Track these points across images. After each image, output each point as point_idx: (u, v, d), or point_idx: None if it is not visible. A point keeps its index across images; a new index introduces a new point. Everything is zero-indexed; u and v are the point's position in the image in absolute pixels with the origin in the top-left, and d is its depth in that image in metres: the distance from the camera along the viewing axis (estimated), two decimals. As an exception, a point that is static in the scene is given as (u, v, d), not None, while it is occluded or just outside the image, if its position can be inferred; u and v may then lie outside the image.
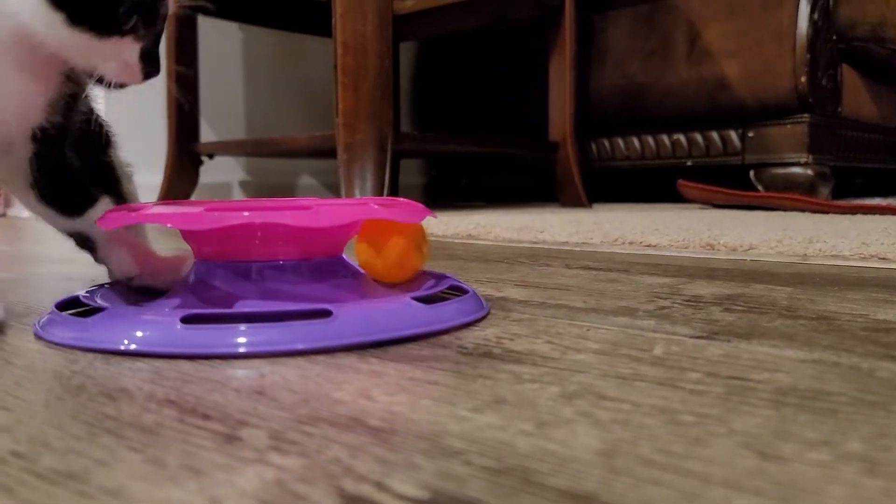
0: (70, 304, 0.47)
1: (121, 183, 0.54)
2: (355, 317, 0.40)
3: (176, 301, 0.45)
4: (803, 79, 1.84)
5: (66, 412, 0.29)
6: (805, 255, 0.81)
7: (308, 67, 2.31)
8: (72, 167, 0.47)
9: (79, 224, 0.48)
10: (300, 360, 0.37)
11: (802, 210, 1.59)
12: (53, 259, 0.91)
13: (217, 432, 0.27)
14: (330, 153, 1.59)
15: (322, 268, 0.46)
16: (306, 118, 2.29)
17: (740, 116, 1.96)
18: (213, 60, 2.06)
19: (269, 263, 0.44)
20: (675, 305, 0.52)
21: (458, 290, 0.50)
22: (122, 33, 0.42)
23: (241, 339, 0.37)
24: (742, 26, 1.92)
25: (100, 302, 0.46)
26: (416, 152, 2.30)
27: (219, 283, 0.44)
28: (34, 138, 0.45)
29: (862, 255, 0.77)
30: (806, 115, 1.87)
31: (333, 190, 2.31)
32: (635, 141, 2.16)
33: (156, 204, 0.47)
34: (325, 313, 0.39)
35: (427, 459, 0.24)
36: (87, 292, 0.49)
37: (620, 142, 2.19)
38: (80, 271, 0.76)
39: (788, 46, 1.85)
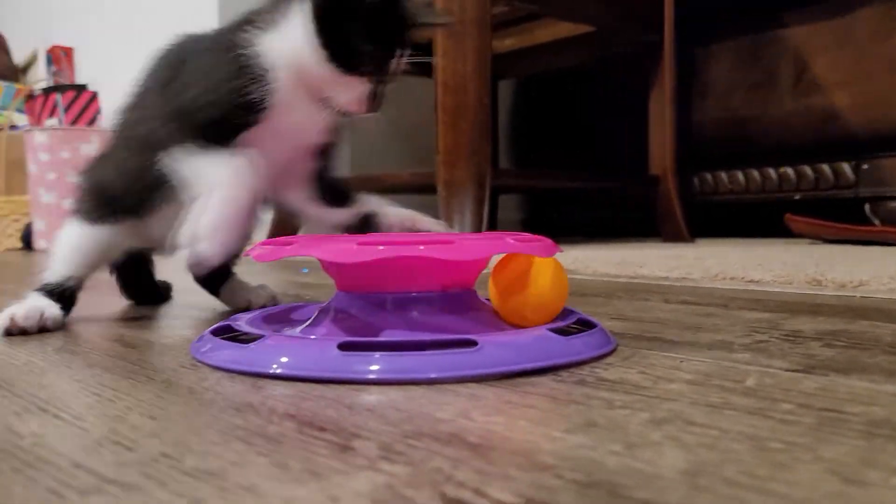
0: (222, 331, 0.50)
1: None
2: (501, 347, 0.41)
3: (322, 329, 0.47)
4: (919, 108, 1.76)
5: (202, 422, 0.33)
6: (918, 291, 0.78)
7: (410, 106, 2.39)
8: (334, 175, 0.63)
9: (355, 212, 0.62)
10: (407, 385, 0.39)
11: (921, 245, 1.51)
12: (182, 289, 0.99)
13: (332, 442, 0.30)
14: (430, 189, 1.65)
15: (457, 300, 0.47)
16: (408, 155, 2.37)
17: (852, 148, 1.89)
18: (322, 102, 2.18)
19: (406, 295, 0.46)
20: (773, 340, 0.52)
21: (585, 324, 0.50)
22: (360, 73, 0.54)
23: (374, 367, 0.39)
24: (851, 56, 1.86)
25: (252, 329, 0.48)
26: (514, 188, 2.33)
27: (359, 313, 0.47)
28: (317, 154, 0.60)
29: (981, 292, 0.74)
30: (924, 145, 1.78)
31: (433, 225, 2.37)
32: (739, 174, 2.11)
33: (306, 237, 0.50)
34: (471, 343, 0.40)
35: (521, 472, 0.26)
36: (232, 321, 0.51)
37: (724, 175, 2.15)
38: (205, 301, 0.82)
39: (903, 75, 1.78)
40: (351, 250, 0.42)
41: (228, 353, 0.44)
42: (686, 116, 2.15)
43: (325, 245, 0.45)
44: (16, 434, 0.31)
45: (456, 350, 0.40)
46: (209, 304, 0.79)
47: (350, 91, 0.55)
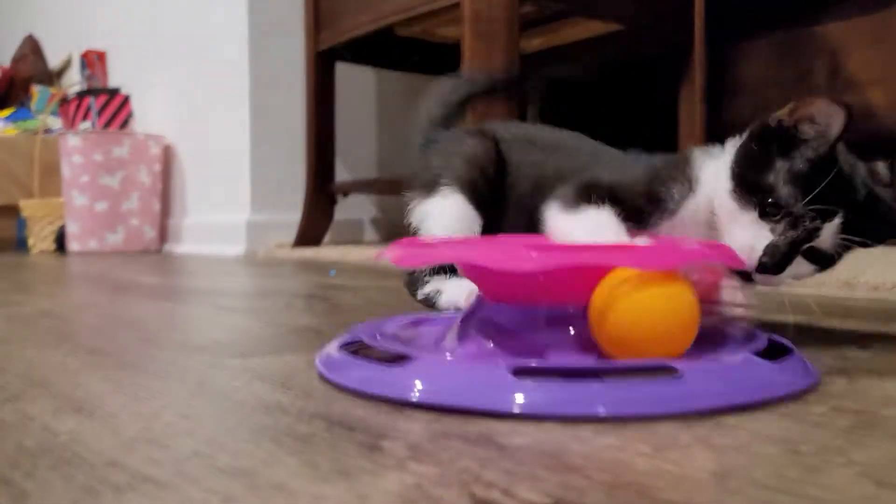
0: (350, 343, 0.44)
1: None
2: (706, 377, 0.35)
3: (472, 347, 0.42)
4: (957, 105, 1.72)
5: (233, 422, 0.34)
6: (956, 292, 0.77)
7: (437, 108, 2.40)
8: None
9: None
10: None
11: (959, 245, 1.48)
12: (206, 291, 1.00)
13: (361, 442, 0.30)
14: (458, 190, 1.65)
15: None
16: (435, 157, 2.38)
17: (888, 146, 1.85)
18: (348, 103, 2.18)
19: (560, 310, 0.40)
20: (806, 340, 0.51)
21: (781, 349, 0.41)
22: (762, 216, 0.46)
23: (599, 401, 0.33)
24: (887, 53, 1.83)
25: (395, 348, 0.41)
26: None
27: (512, 326, 0.41)
28: None
29: None
30: (962, 143, 1.74)
31: (461, 226, 2.37)
32: (770, 174, 2.08)
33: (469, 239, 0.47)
34: (671, 370, 0.34)
35: (549, 472, 0.26)
36: (363, 334, 0.45)
37: (754, 175, 2.12)
38: (233, 303, 0.83)
39: (939, 72, 1.74)
40: (526, 256, 0.37)
41: (364, 373, 0.39)
42: (717, 115, 2.12)
43: (494, 250, 0.41)
44: (52, 432, 0.32)
45: (660, 381, 0.34)
46: (242, 306, 0.80)
47: (743, 233, 0.46)
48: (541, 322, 0.41)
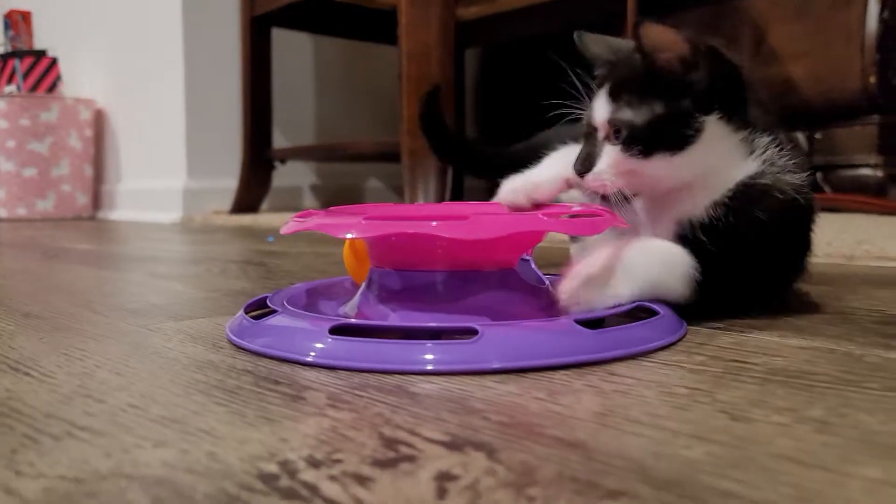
0: (256, 305, 0.48)
1: None
2: (501, 339, 0.37)
3: (368, 311, 0.45)
4: (872, 79, 1.81)
5: (166, 377, 0.36)
6: (852, 256, 0.83)
7: (375, 74, 2.39)
8: None
9: None
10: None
11: (869, 212, 1.58)
12: (141, 258, 1.00)
13: (285, 394, 0.33)
14: (396, 157, 1.66)
15: (495, 280, 0.44)
16: (374, 123, 2.38)
17: (808, 118, 1.94)
18: (285, 69, 2.16)
19: (441, 275, 0.44)
20: (704, 301, 0.55)
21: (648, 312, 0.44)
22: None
23: (429, 356, 0.37)
24: (810, 27, 1.91)
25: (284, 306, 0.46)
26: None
27: (392, 292, 0.44)
28: None
29: (907, 257, 0.79)
30: (875, 115, 1.84)
31: (399, 192, 2.39)
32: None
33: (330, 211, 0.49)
34: (471, 332, 0.37)
35: (452, 415, 0.29)
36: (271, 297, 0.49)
37: (684, 144, 2.19)
38: (169, 270, 0.84)
39: (857, 46, 1.83)
40: (354, 225, 0.41)
41: (266, 340, 0.42)
42: (648, 85, 2.18)
43: (342, 220, 0.44)
44: (-9, 390, 0.34)
45: (457, 342, 0.38)
46: (178, 273, 0.81)
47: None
48: (427, 286, 0.43)
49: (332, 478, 0.23)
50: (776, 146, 0.49)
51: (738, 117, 0.48)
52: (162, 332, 0.47)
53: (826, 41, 1.90)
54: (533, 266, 0.46)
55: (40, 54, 2.29)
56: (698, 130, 0.47)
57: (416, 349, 0.37)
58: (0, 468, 0.25)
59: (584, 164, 0.48)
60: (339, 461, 0.25)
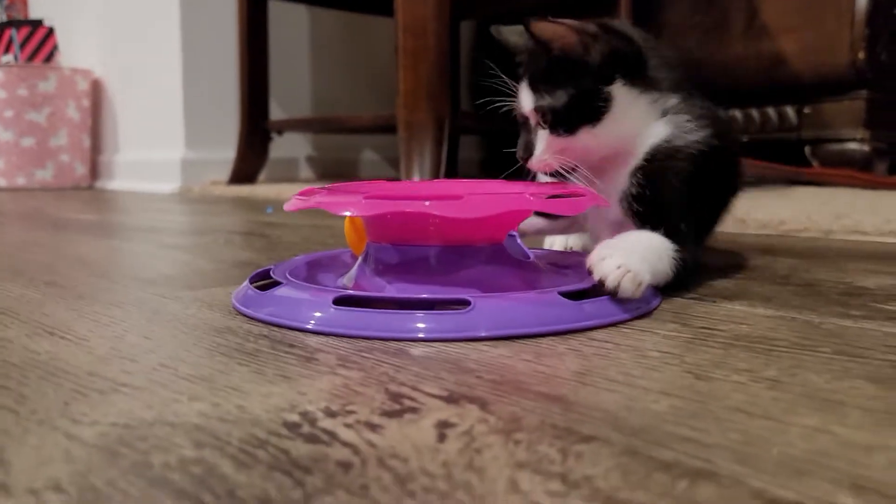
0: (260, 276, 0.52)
1: None
2: (491, 309, 0.41)
3: (364, 283, 0.48)
4: (861, 54, 1.84)
5: (189, 341, 0.40)
6: (829, 230, 0.87)
7: (372, 47, 2.40)
8: None
9: None
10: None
11: (854, 186, 1.61)
12: (147, 228, 1.03)
13: (300, 356, 0.36)
14: (392, 130, 1.69)
15: (486, 255, 0.48)
16: (370, 96, 2.40)
17: (797, 92, 1.97)
18: (282, 41, 2.17)
19: (436, 249, 0.46)
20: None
21: None
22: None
23: (421, 325, 0.40)
24: (801, 2, 1.93)
25: (286, 278, 0.49)
26: (474, 130, 2.38)
27: (389, 266, 0.47)
28: None
29: (881, 232, 0.83)
30: (863, 90, 1.87)
31: (394, 165, 2.41)
32: (691, 116, 2.19)
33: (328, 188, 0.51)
34: (464, 303, 0.41)
35: (449, 374, 0.33)
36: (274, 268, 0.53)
37: (676, 117, 2.22)
38: (175, 241, 0.87)
39: (847, 21, 1.85)
40: (355, 204, 0.44)
41: (272, 309, 0.45)
42: (641, 59, 2.20)
43: (342, 198, 0.46)
44: (32, 352, 0.38)
45: (451, 312, 0.41)
46: (184, 243, 0.84)
47: None
48: (423, 260, 0.46)
49: (348, 425, 0.27)
50: (685, 105, 0.55)
51: (640, 81, 0.54)
52: (179, 301, 0.50)
53: (817, 16, 1.93)
54: (519, 241, 0.49)
55: (37, 24, 2.29)
56: (608, 100, 0.53)
57: (409, 319, 0.40)
58: (57, 417, 0.28)
59: (526, 151, 0.55)
60: (352, 412, 0.28)
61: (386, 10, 1.90)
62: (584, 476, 0.23)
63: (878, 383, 0.31)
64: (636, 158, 0.53)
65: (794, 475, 0.22)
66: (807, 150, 1.98)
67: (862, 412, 0.28)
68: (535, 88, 0.54)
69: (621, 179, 0.53)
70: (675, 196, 0.53)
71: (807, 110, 1.98)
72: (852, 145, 1.91)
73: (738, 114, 2.12)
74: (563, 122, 0.53)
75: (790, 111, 2.01)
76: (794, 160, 1.90)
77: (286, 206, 0.48)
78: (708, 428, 0.26)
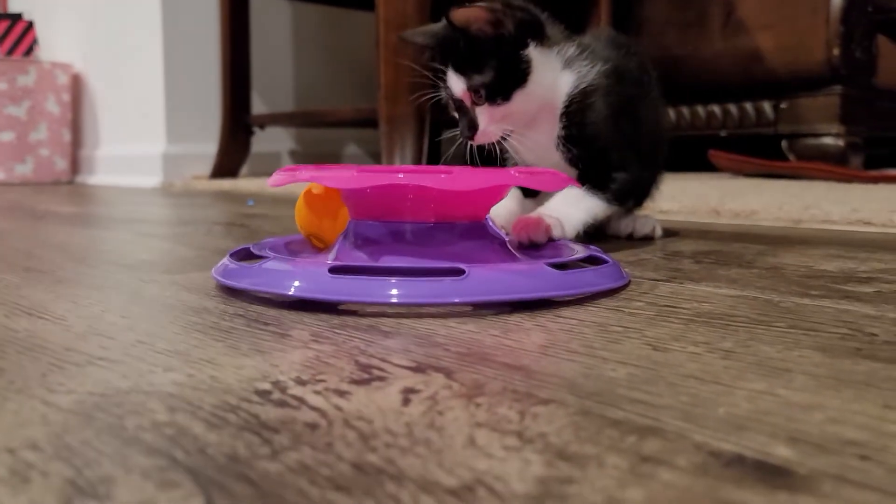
0: (241, 253, 0.53)
1: None
2: (486, 277, 0.43)
3: (346, 257, 0.48)
4: (836, 51, 1.87)
5: (166, 320, 0.41)
6: (799, 219, 0.89)
7: (354, 41, 2.41)
8: None
9: None
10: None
11: (828, 180, 1.64)
12: (127, 219, 1.04)
13: (274, 332, 0.37)
14: (373, 124, 1.70)
15: (467, 231, 0.49)
16: (352, 90, 2.40)
17: (774, 88, 1.99)
18: (264, 36, 2.17)
19: (419, 225, 0.48)
20: (654, 258, 0.61)
21: (598, 260, 0.51)
22: None
23: (394, 291, 0.42)
24: (776, 0, 1.95)
25: (267, 252, 0.50)
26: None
27: (371, 241, 0.48)
28: None
29: (848, 220, 0.85)
30: (838, 86, 1.90)
31: (376, 158, 2.42)
32: (671, 111, 2.21)
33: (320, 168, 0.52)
34: (459, 272, 0.42)
35: (418, 348, 0.34)
36: (254, 246, 0.54)
37: (656, 112, 2.24)
38: (156, 230, 0.88)
39: (822, 19, 1.88)
40: (350, 177, 0.45)
41: (240, 276, 0.47)
42: (622, 54, 2.23)
43: (331, 173, 0.48)
44: (11, 329, 0.38)
45: (447, 278, 0.42)
46: (165, 232, 0.85)
47: None
48: (406, 235, 0.48)
49: (317, 392, 0.28)
50: (581, 51, 0.65)
51: (545, 39, 0.63)
52: (157, 283, 0.51)
53: (792, 14, 1.95)
54: (490, 223, 0.51)
55: (16, 18, 2.28)
56: (528, 62, 0.62)
57: (411, 285, 0.42)
58: (35, 387, 0.29)
59: (470, 129, 0.63)
60: (322, 381, 0.30)
61: (367, 5, 1.90)
62: (539, 433, 0.24)
63: (826, 352, 0.33)
64: (558, 107, 0.63)
65: (735, 430, 0.24)
66: (783, 144, 2.01)
67: (807, 377, 0.29)
68: (462, 72, 0.61)
69: (552, 129, 0.64)
70: (597, 128, 0.64)
71: (783, 106, 2.00)
72: (828, 140, 1.94)
73: (716, 109, 2.14)
74: (498, 91, 0.61)
75: (767, 106, 2.03)
76: (771, 154, 1.92)
77: (269, 181, 0.49)
78: (660, 392, 0.28)
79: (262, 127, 2.05)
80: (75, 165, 2.35)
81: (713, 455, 0.22)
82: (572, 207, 0.62)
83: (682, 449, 0.22)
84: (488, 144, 0.64)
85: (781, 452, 0.22)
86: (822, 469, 0.21)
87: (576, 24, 2.08)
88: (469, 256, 0.46)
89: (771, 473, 0.21)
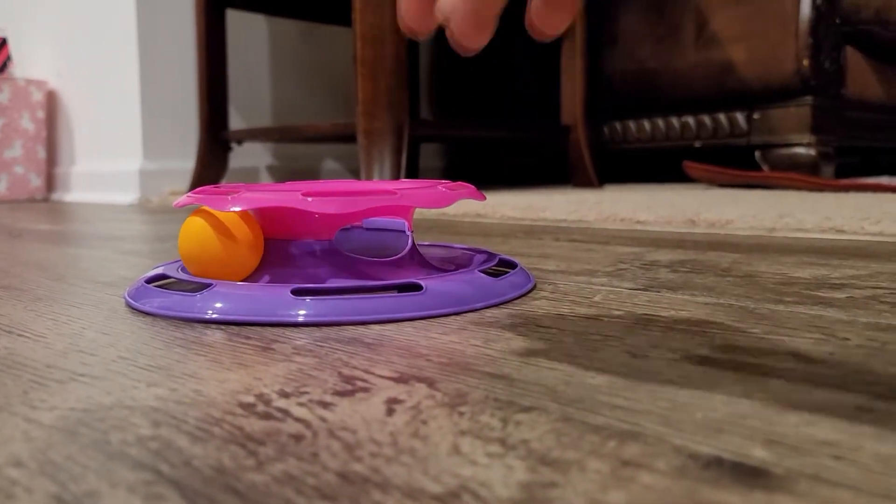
0: (156, 278, 0.52)
1: None
2: (442, 291, 0.45)
3: (266, 277, 0.49)
4: (806, 62, 1.90)
5: (148, 336, 0.41)
6: (773, 228, 0.90)
7: (331, 56, 2.41)
8: None
9: None
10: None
11: (801, 189, 1.67)
12: (105, 236, 1.03)
13: (256, 346, 0.38)
14: (351, 139, 1.70)
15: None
16: (330, 105, 2.40)
17: (746, 99, 2.03)
18: (241, 51, 2.17)
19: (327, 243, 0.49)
20: (632, 268, 0.62)
21: (508, 265, 0.54)
22: None
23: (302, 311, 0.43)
24: (748, 12, 1.99)
25: (188, 277, 0.50)
26: (433, 138, 2.40)
27: (294, 259, 0.49)
28: None
29: (821, 228, 0.86)
30: (809, 97, 1.93)
31: (354, 173, 2.42)
32: (646, 123, 2.24)
33: (250, 188, 0.53)
34: (416, 287, 0.44)
35: (401, 359, 0.35)
36: (165, 268, 0.54)
37: (632, 124, 2.27)
38: (135, 247, 0.87)
39: (792, 31, 1.92)
40: (225, 200, 0.46)
41: (161, 301, 0.46)
42: (598, 67, 2.25)
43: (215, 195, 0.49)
44: (-10, 348, 0.38)
45: (406, 294, 0.44)
46: (144, 249, 0.84)
47: None
48: (316, 254, 0.49)
49: (301, 404, 0.28)
50: None
51: None
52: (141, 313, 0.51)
53: (763, 27, 1.99)
54: (409, 234, 0.50)
55: (-12, 34, 2.26)
56: None
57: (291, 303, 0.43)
58: (17, 404, 0.29)
59: None
60: (305, 393, 0.30)
61: (344, 20, 1.91)
62: (522, 440, 0.24)
63: (800, 357, 0.33)
64: None
65: (713, 434, 0.24)
66: (757, 154, 2.04)
67: (781, 381, 0.30)
68: None
69: None
70: None
71: (756, 116, 2.04)
72: (800, 150, 1.97)
73: (690, 120, 2.17)
74: None
75: (740, 117, 2.07)
76: (745, 165, 1.95)
77: (174, 203, 0.50)
78: (639, 398, 0.28)
79: (239, 142, 2.05)
80: (51, 182, 2.33)
81: (692, 458, 0.22)
82: None
83: (662, 452, 0.23)
84: None
85: (758, 454, 0.23)
86: (797, 469, 0.21)
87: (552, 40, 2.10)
88: (392, 273, 0.49)
89: (748, 474, 0.21)
